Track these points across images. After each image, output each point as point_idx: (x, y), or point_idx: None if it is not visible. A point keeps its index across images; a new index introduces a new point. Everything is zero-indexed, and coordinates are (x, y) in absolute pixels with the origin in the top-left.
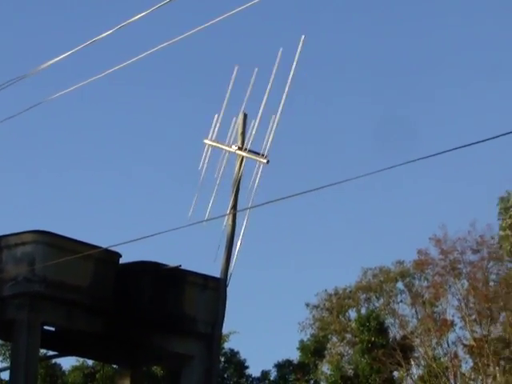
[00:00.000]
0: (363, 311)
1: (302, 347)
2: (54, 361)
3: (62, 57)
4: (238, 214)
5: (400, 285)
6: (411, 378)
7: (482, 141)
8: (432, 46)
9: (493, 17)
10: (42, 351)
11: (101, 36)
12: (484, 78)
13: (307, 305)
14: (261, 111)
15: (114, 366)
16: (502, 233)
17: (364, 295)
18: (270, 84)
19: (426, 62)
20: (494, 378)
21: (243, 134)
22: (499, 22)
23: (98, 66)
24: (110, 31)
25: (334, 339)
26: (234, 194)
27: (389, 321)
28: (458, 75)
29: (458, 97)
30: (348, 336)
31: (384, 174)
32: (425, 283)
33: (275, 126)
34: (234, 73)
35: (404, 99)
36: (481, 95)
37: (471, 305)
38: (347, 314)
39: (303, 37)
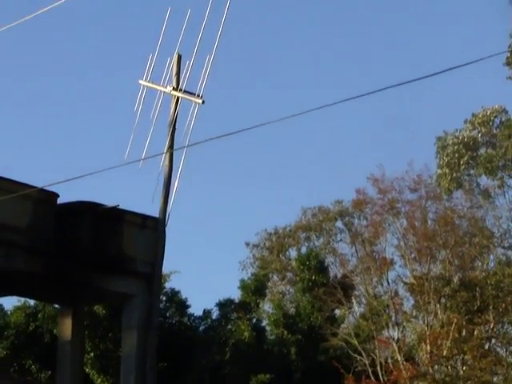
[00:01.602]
0: (303, 250)
1: (243, 286)
2: None
3: None
4: (174, 154)
5: (339, 224)
6: (353, 315)
7: (419, 78)
8: (432, 46)
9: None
10: None
11: None
12: (484, 75)
13: (247, 244)
14: (195, 52)
15: (56, 306)
16: (439, 171)
17: (304, 234)
18: (203, 24)
19: (426, 62)
20: (435, 315)
21: (178, 74)
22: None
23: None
24: None
25: (275, 278)
26: (171, 134)
27: (329, 259)
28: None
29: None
30: (289, 275)
31: (322, 112)
32: (364, 222)
33: (209, 66)
34: (168, 12)
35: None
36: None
37: (410, 243)
38: (287, 252)
39: None
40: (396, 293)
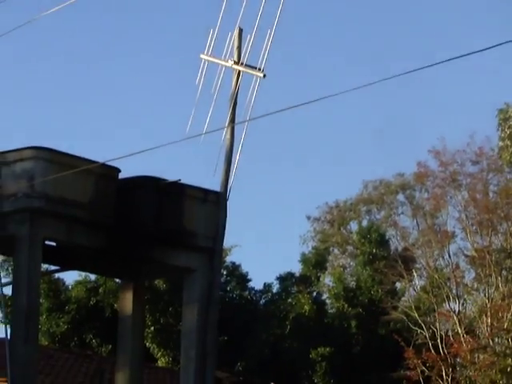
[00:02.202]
0: (364, 223)
1: (304, 260)
2: (56, 276)
3: None
4: (236, 127)
5: (401, 197)
6: (414, 289)
7: (480, 50)
8: (432, 46)
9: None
10: (44, 266)
11: None
12: (484, 77)
13: (308, 217)
14: (256, 25)
15: (117, 280)
16: (501, 143)
17: (365, 207)
18: None
19: (426, 62)
20: (497, 287)
21: (239, 48)
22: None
23: None
24: None
25: (336, 251)
26: (232, 108)
27: (390, 233)
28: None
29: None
30: (349, 248)
31: (382, 85)
32: (425, 195)
33: (271, 40)
34: None
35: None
36: (483, 97)
37: (472, 216)
38: (348, 226)
39: None
40: (457, 265)
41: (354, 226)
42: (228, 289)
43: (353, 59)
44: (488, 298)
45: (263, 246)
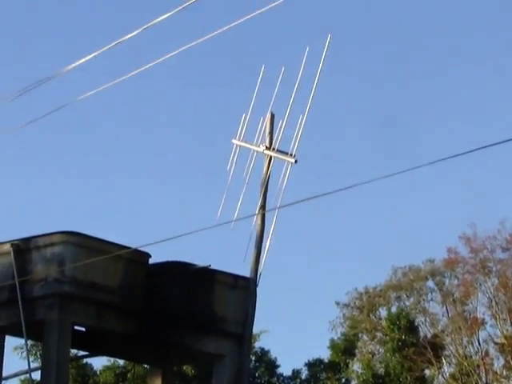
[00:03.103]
0: (393, 310)
1: (333, 346)
2: (85, 361)
3: (89, 57)
4: (266, 213)
5: (430, 283)
6: (443, 376)
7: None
8: (433, 47)
9: (494, 21)
10: (73, 351)
11: (127, 36)
12: (486, 79)
13: (337, 303)
14: (288, 111)
15: (146, 366)
16: None
17: (394, 294)
18: (296, 83)
19: (426, 63)
20: None
21: (271, 133)
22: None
23: (125, 67)
24: (136, 32)
25: (365, 338)
26: (263, 194)
27: (419, 319)
28: (458, 75)
29: (459, 98)
30: (379, 335)
31: (414, 172)
32: (455, 281)
33: (303, 125)
34: (261, 73)
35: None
36: (483, 96)
37: (501, 303)
38: (378, 312)
39: (329, 36)
40: (486, 353)
41: (383, 312)
42: (257, 375)
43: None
44: None
45: (292, 332)
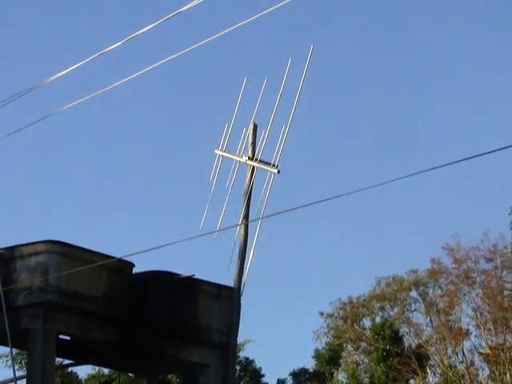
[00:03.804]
0: (378, 320)
1: (317, 355)
2: (70, 369)
3: (70, 69)
4: (250, 223)
5: (414, 293)
6: None
7: (493, 151)
8: (433, 48)
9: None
10: (58, 360)
11: (110, 48)
12: (484, 82)
13: (321, 313)
14: (271, 121)
15: (130, 375)
16: None
17: (378, 304)
18: (279, 94)
19: (427, 65)
20: None
21: (254, 144)
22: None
23: (107, 78)
24: (119, 43)
25: (349, 348)
26: (246, 204)
27: (403, 329)
28: (458, 77)
29: (459, 100)
30: (363, 344)
31: (396, 183)
32: (439, 292)
33: (286, 135)
34: (244, 83)
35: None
36: (482, 98)
37: (486, 313)
38: (362, 322)
39: (312, 47)
40: (471, 363)
41: (367, 323)
42: None
43: (367, 154)
44: None
45: (277, 342)
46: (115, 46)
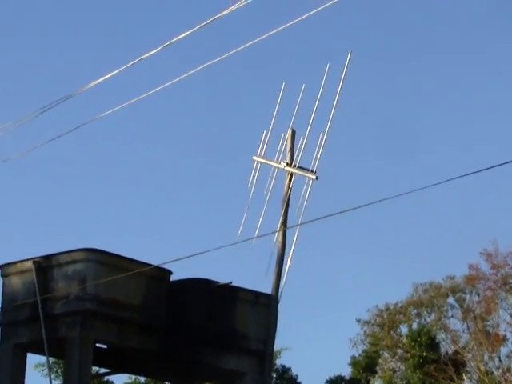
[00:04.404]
0: (414, 326)
1: (354, 363)
2: (106, 378)
3: (107, 76)
4: (288, 230)
5: (451, 300)
6: None
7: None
8: (433, 48)
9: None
10: (95, 368)
11: (146, 55)
12: (486, 80)
13: (358, 320)
14: (309, 127)
15: (167, 383)
16: None
17: (415, 311)
18: (317, 100)
19: (427, 64)
20: None
21: (292, 150)
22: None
23: (145, 85)
24: (156, 50)
25: (386, 355)
26: (284, 211)
27: (440, 336)
28: (458, 77)
29: (459, 99)
30: (399, 351)
31: (434, 189)
32: (476, 298)
33: (324, 142)
34: (282, 89)
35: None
36: (483, 97)
37: None
38: (398, 329)
39: (350, 52)
40: (508, 369)
41: (404, 329)
42: None
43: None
44: None
45: (313, 349)
46: (152, 52)
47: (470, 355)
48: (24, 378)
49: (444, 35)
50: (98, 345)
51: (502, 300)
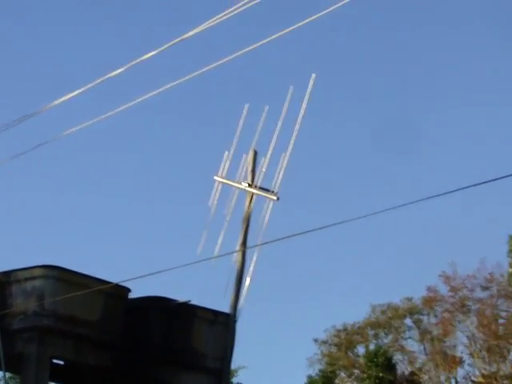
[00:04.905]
0: (371, 347)
1: (311, 382)
2: None
3: (72, 94)
4: (247, 250)
5: (408, 321)
6: None
7: (492, 180)
8: (433, 48)
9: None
10: None
11: (111, 74)
12: (485, 78)
13: (315, 340)
14: (271, 149)
15: None
16: (511, 270)
17: (372, 331)
18: (280, 122)
19: (426, 64)
20: None
21: (253, 171)
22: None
23: (108, 105)
24: (121, 69)
25: (343, 375)
26: (244, 231)
27: (397, 357)
28: (458, 76)
29: (459, 98)
30: (356, 372)
31: (393, 212)
32: (433, 320)
33: (285, 163)
34: (245, 111)
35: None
36: (483, 97)
37: (480, 342)
38: (355, 349)
39: (314, 75)
40: None
41: (361, 350)
42: None
43: (367, 183)
44: None
45: (270, 368)
46: (116, 72)
47: (426, 376)
48: None
49: (443, 34)
50: (54, 361)
51: (459, 322)
